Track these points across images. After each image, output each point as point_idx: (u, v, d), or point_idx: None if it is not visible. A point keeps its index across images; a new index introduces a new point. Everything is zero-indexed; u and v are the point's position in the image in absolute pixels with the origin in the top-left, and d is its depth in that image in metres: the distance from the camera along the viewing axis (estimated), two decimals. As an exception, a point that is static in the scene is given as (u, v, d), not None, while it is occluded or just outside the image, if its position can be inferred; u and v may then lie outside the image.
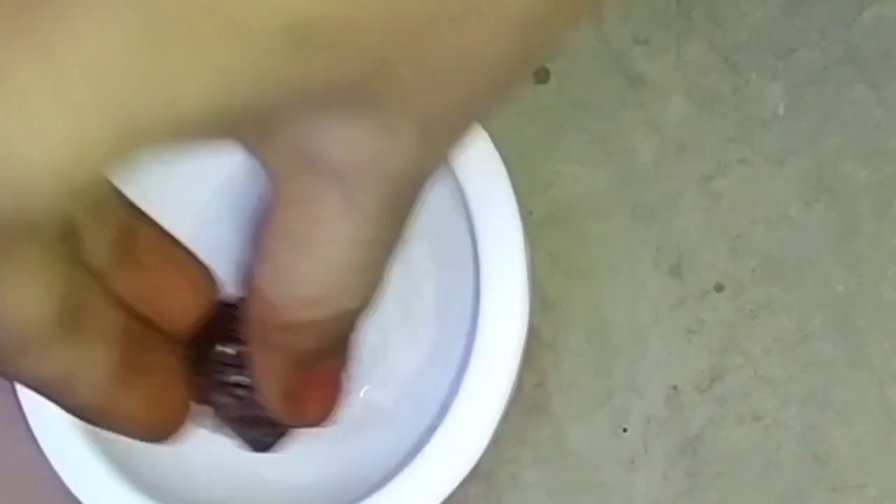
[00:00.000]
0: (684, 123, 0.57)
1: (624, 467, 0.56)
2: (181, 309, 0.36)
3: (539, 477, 0.56)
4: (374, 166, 0.27)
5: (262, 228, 0.30)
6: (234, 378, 0.37)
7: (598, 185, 0.57)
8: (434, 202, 0.54)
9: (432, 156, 0.28)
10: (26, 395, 0.53)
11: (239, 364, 0.37)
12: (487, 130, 0.53)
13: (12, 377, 0.30)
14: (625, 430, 0.56)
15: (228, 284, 0.37)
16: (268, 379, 0.35)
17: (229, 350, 0.37)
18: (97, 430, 0.49)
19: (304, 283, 0.29)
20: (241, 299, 0.34)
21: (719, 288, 0.56)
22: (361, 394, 0.58)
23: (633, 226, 0.57)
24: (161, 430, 0.35)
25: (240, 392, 0.38)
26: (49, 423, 0.53)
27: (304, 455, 0.56)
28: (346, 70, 0.24)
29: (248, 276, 0.31)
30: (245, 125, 0.26)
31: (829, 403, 0.55)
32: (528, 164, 0.57)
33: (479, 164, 0.51)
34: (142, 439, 0.35)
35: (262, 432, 0.41)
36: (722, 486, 0.55)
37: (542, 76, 0.58)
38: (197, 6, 0.22)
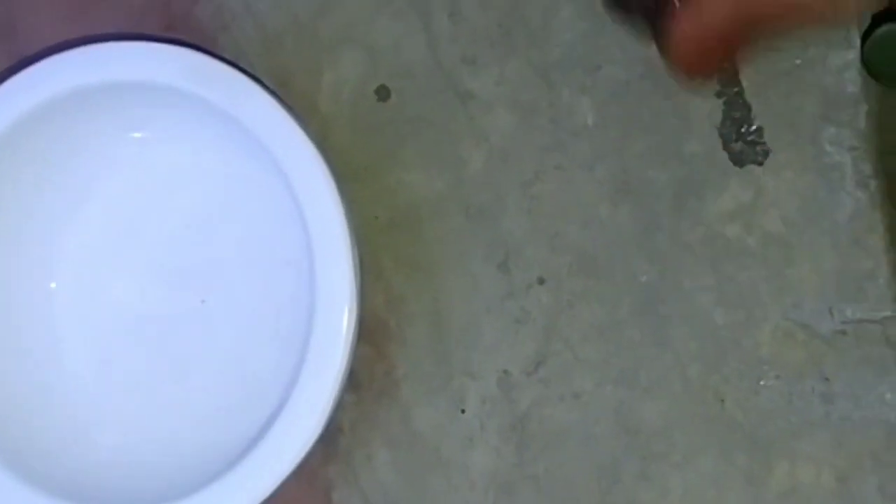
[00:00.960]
0: (507, 134, 0.60)
1: (463, 445, 0.59)
2: None
3: (390, 456, 0.60)
4: None
5: None
6: None
7: (435, 191, 0.60)
8: (274, 215, 0.57)
9: None
10: None
11: None
12: (332, 144, 0.56)
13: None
14: (463, 412, 0.59)
15: None
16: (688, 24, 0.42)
17: None
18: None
19: None
20: None
21: (541, 281, 0.59)
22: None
23: (466, 226, 0.60)
24: None
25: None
26: None
27: (155, 442, 0.60)
28: None
29: None
30: None
31: (638, 382, 0.58)
32: (373, 173, 0.60)
33: (312, 181, 0.54)
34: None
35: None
36: (548, 457, 0.59)
37: (382, 94, 0.61)
38: None
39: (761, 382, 0.57)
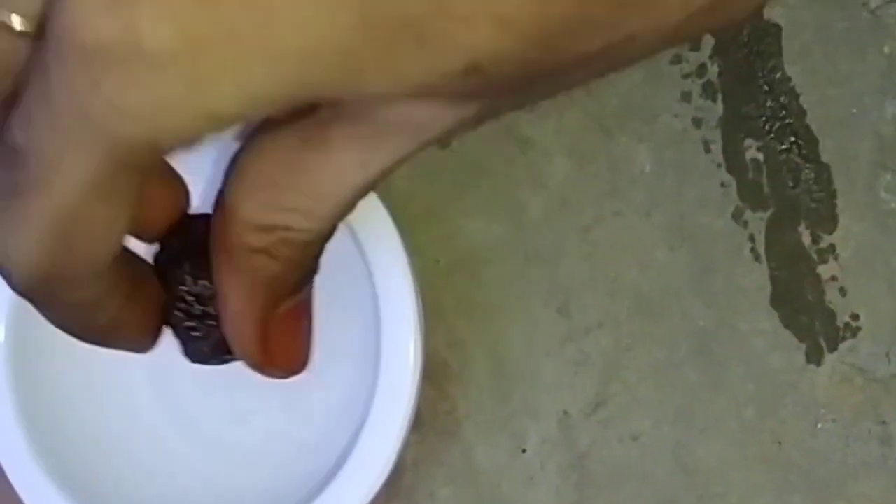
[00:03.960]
0: (566, 181, 0.59)
1: (523, 483, 0.58)
2: (151, 218, 0.34)
3: (452, 493, 0.59)
4: (416, 131, 0.27)
5: (251, 157, 0.29)
6: (191, 306, 0.35)
7: (494, 236, 0.60)
8: (338, 262, 0.57)
9: (460, 128, 0.28)
10: None
11: (198, 299, 0.35)
12: (394, 189, 0.55)
13: (66, 302, 0.29)
14: (524, 451, 0.58)
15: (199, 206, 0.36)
16: (241, 314, 0.33)
17: (194, 286, 0.35)
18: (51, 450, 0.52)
19: (292, 210, 0.29)
20: (206, 215, 0.33)
21: (600, 324, 0.58)
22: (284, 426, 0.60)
23: (526, 271, 0.59)
24: (141, 334, 0.34)
25: (192, 321, 0.36)
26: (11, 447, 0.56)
27: (218, 480, 0.59)
28: (482, 89, 0.26)
29: (224, 198, 0.30)
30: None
31: (695, 422, 0.57)
32: (434, 219, 0.60)
33: (375, 229, 0.53)
34: (127, 346, 0.34)
35: (208, 353, 0.38)
36: (607, 496, 0.58)
37: (444, 142, 0.60)
38: (401, 20, 0.23)
39: (818, 425, 0.56)
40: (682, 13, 0.25)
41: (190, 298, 0.35)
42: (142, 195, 0.27)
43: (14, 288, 0.28)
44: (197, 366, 0.39)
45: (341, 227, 0.52)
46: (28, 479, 0.55)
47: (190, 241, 0.34)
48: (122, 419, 0.60)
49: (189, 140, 0.25)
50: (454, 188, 0.60)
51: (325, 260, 0.58)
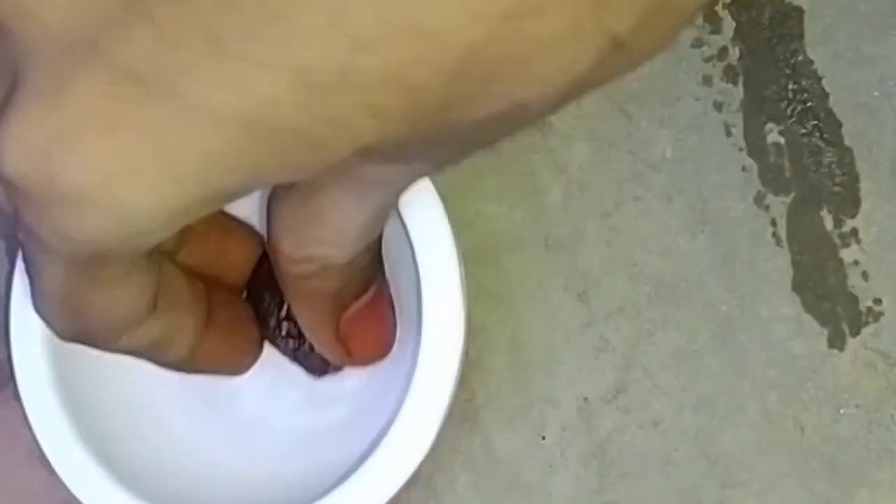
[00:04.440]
0: (586, 166, 0.59)
1: (543, 471, 0.58)
2: (238, 265, 0.40)
3: (472, 481, 0.58)
4: (392, 183, 0.32)
5: (275, 203, 0.33)
6: (288, 331, 0.41)
7: (513, 222, 0.59)
8: (387, 247, 0.57)
9: (429, 174, 0.34)
10: (32, 409, 0.55)
11: (290, 318, 0.40)
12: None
13: (112, 350, 0.34)
14: (543, 438, 0.58)
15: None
16: (314, 326, 0.39)
17: (284, 305, 0.40)
18: (97, 437, 0.52)
19: (318, 244, 0.33)
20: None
21: (620, 310, 0.58)
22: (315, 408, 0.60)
23: (545, 257, 0.59)
24: (239, 367, 0.41)
25: (292, 341, 0.42)
26: (53, 432, 0.56)
27: (259, 460, 0.59)
28: (391, 160, 0.29)
29: (269, 237, 0.34)
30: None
31: (717, 410, 0.56)
32: (453, 204, 0.58)
33: (423, 210, 0.53)
34: (225, 374, 0.41)
35: (320, 364, 0.44)
36: (628, 484, 0.57)
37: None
38: (285, 131, 0.26)
39: (841, 411, 0.56)
40: (565, 79, 0.26)
41: (284, 324, 0.41)
42: (153, 269, 0.32)
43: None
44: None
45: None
46: (61, 447, 0.55)
47: (265, 277, 0.40)
48: (155, 397, 0.60)
49: (140, 246, 0.28)
50: (473, 174, 0.59)
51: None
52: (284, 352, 0.43)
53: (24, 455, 0.59)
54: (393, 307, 0.42)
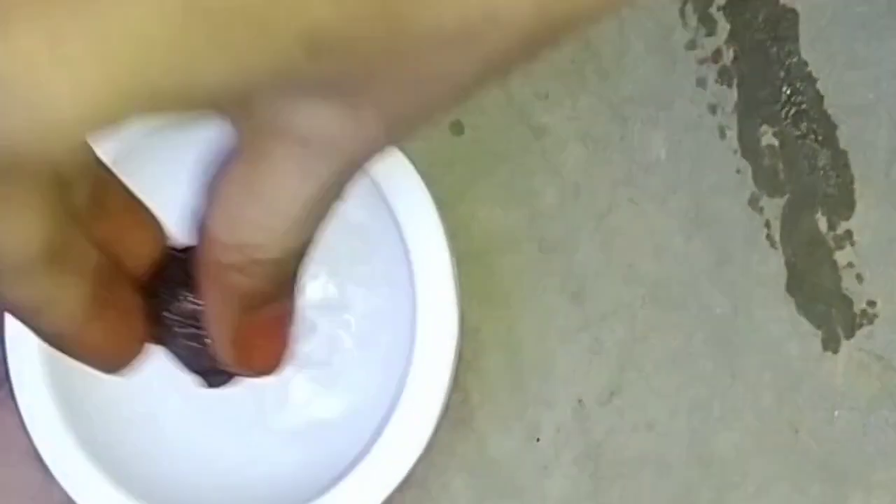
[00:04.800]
0: (580, 168, 0.58)
1: (538, 472, 0.57)
2: (136, 253, 0.36)
3: (466, 482, 0.58)
4: (336, 143, 0.29)
5: (217, 180, 0.31)
6: (183, 330, 0.39)
7: (508, 224, 0.59)
8: (379, 243, 0.57)
9: (386, 143, 0.29)
10: (27, 410, 0.56)
11: (189, 317, 0.38)
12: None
13: None
14: (538, 440, 0.58)
15: (176, 236, 0.38)
16: (218, 323, 0.36)
17: (181, 302, 0.37)
18: (93, 438, 0.52)
19: (254, 227, 0.31)
20: (189, 248, 0.35)
21: (615, 312, 0.58)
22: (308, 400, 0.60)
23: (540, 259, 0.58)
24: (117, 362, 0.36)
25: (191, 342, 0.39)
26: (49, 434, 0.56)
27: (255, 460, 0.59)
28: (341, 72, 0.26)
29: (201, 222, 0.32)
30: (237, 103, 0.27)
31: (711, 412, 0.56)
32: (448, 206, 0.59)
33: (415, 208, 0.54)
34: (99, 369, 0.36)
35: (212, 374, 0.40)
36: (622, 486, 0.57)
37: (457, 129, 0.60)
38: (229, 10, 0.24)
39: (836, 413, 0.55)
40: None
41: (177, 318, 0.37)
42: (62, 209, 0.29)
43: None
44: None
45: (379, 203, 0.52)
46: (57, 449, 0.56)
47: (170, 273, 0.37)
48: (152, 393, 0.60)
49: (53, 154, 0.25)
50: (469, 176, 0.59)
51: (359, 236, 0.58)
52: (174, 351, 0.40)
53: (21, 456, 0.59)
54: (291, 335, 0.40)
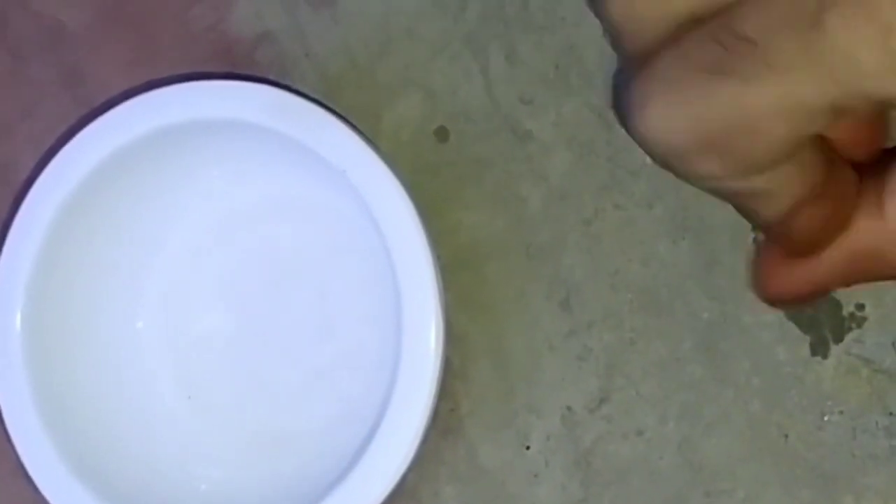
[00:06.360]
0: (566, 174, 0.58)
1: (528, 481, 0.57)
2: (861, 143, 0.40)
3: (456, 491, 0.58)
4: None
5: None
6: None
7: (495, 231, 0.59)
8: (362, 252, 0.57)
9: None
10: (14, 427, 0.56)
11: None
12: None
13: (716, 184, 0.36)
14: (528, 448, 0.58)
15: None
16: None
17: None
18: (80, 454, 0.51)
19: None
20: None
21: (603, 319, 0.57)
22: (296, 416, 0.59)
23: (527, 266, 0.58)
24: (819, 242, 0.40)
25: None
26: (35, 451, 0.56)
27: (241, 472, 0.59)
28: None
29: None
30: None
31: (701, 418, 0.56)
32: (434, 213, 0.58)
33: (397, 216, 0.53)
34: (801, 247, 0.40)
35: None
36: (612, 493, 0.57)
37: (441, 136, 0.59)
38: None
39: (825, 418, 0.55)
40: None
41: None
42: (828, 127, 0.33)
43: (649, 152, 0.37)
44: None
45: (358, 209, 0.52)
46: (44, 465, 0.56)
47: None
48: (139, 403, 0.60)
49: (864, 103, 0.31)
50: (454, 182, 0.59)
51: (344, 244, 0.58)
52: None
53: (9, 473, 0.59)
54: None
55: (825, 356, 0.55)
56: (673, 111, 0.35)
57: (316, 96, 0.57)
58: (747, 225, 0.56)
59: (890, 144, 0.41)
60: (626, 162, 0.58)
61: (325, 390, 0.60)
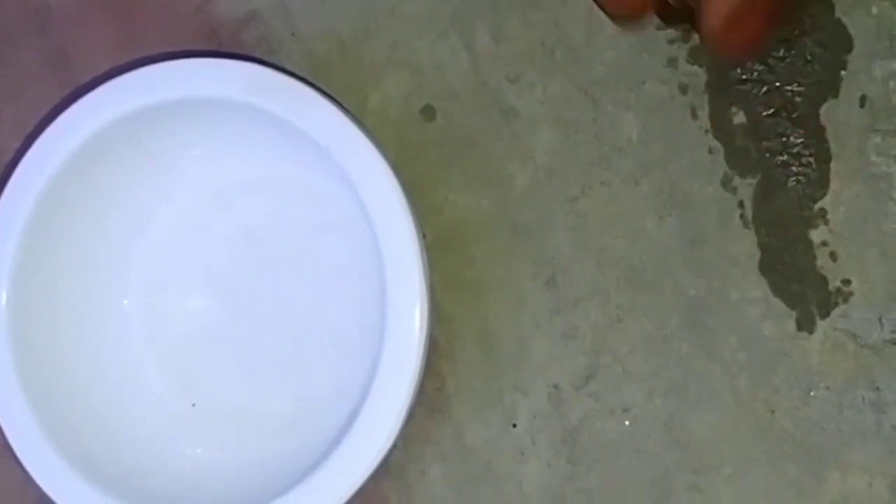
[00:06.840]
0: (552, 151, 0.58)
1: (515, 459, 0.57)
2: None
3: (443, 471, 0.58)
4: None
5: None
6: None
7: (481, 209, 0.58)
8: (347, 232, 0.56)
9: None
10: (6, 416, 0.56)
11: None
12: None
13: None
14: (514, 426, 0.57)
15: None
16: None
17: None
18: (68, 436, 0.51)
19: None
20: None
21: (589, 296, 0.57)
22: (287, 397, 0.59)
23: (513, 244, 0.58)
24: (630, 12, 0.43)
25: None
26: (22, 432, 0.56)
27: (224, 451, 0.59)
28: None
29: None
30: None
31: (687, 394, 0.56)
32: (421, 192, 0.58)
33: (384, 201, 0.53)
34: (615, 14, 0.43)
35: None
36: (599, 471, 0.56)
37: (428, 114, 0.59)
38: None
39: (811, 393, 0.55)
40: None
41: None
42: None
43: None
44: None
45: (343, 188, 0.52)
46: (30, 445, 0.56)
47: None
48: (123, 385, 0.60)
49: None
50: (440, 161, 0.59)
51: (327, 223, 0.58)
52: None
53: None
54: (775, 20, 0.45)
55: (811, 331, 0.55)
56: None
57: (302, 75, 0.57)
58: (733, 202, 0.56)
59: None
60: (612, 139, 0.57)
61: (309, 369, 0.60)
